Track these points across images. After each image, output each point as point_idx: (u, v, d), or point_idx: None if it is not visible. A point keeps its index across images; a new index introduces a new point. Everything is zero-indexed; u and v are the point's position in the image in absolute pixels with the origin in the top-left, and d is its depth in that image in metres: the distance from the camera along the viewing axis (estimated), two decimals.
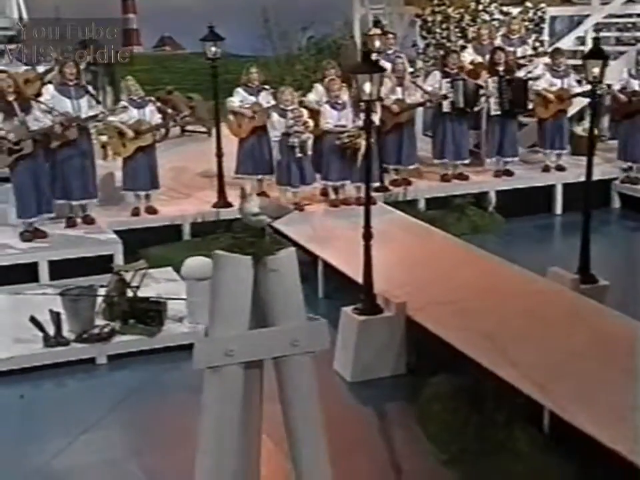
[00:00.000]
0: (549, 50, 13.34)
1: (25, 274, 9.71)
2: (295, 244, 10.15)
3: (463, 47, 13.71)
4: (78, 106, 10.28)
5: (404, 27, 16.28)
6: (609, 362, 6.63)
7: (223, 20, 18.81)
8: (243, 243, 4.76)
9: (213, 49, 10.94)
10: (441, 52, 13.85)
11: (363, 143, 10.84)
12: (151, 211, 11.09)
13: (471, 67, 12.64)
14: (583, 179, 12.22)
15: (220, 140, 11.22)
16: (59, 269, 9.79)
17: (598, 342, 7.04)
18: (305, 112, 10.94)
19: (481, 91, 12.12)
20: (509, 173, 12.63)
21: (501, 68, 12.31)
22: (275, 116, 10.90)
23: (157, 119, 10.87)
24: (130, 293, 8.53)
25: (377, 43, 12.28)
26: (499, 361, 6.71)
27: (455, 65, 12.18)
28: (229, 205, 11.30)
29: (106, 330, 8.26)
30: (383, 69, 7.87)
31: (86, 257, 9.92)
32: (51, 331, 8.12)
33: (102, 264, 9.93)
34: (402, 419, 7.13)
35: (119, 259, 9.98)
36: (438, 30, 14.48)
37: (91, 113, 10.35)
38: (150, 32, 24.23)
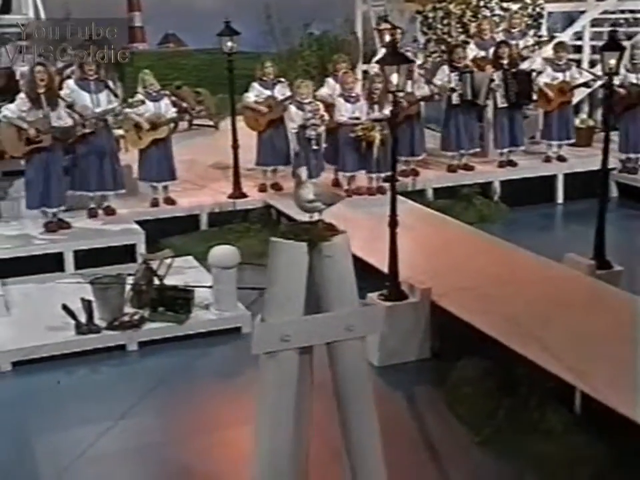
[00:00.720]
0: (552, 43, 13.24)
1: (50, 264, 9.55)
2: None
3: (465, 42, 13.60)
4: (97, 100, 10.12)
5: (404, 23, 16.14)
6: (634, 343, 6.55)
7: (225, 17, 18.66)
8: (298, 229, 4.62)
9: (229, 43, 10.81)
10: (443, 47, 13.75)
11: (377, 135, 10.79)
12: (170, 201, 10.95)
13: (472, 62, 12.49)
14: (582, 169, 12.59)
15: (235, 132, 11.10)
16: (84, 259, 9.65)
17: (621, 325, 6.95)
18: (321, 105, 10.79)
19: (492, 84, 12.01)
20: (512, 164, 12.55)
21: (505, 61, 12.20)
22: (292, 108, 10.74)
23: (172, 112, 10.72)
24: (157, 282, 8.43)
25: (388, 37, 12.14)
26: (528, 344, 6.63)
27: (461, 58, 12.04)
28: (244, 196, 11.20)
29: (136, 317, 8.14)
30: (410, 61, 7.74)
31: (110, 246, 9.77)
32: (83, 318, 8.00)
33: (125, 253, 9.83)
34: (431, 401, 7.05)
35: (141, 249, 9.84)
36: (439, 26, 14.37)
37: (109, 107, 10.20)
38: (154, 29, 23.99)
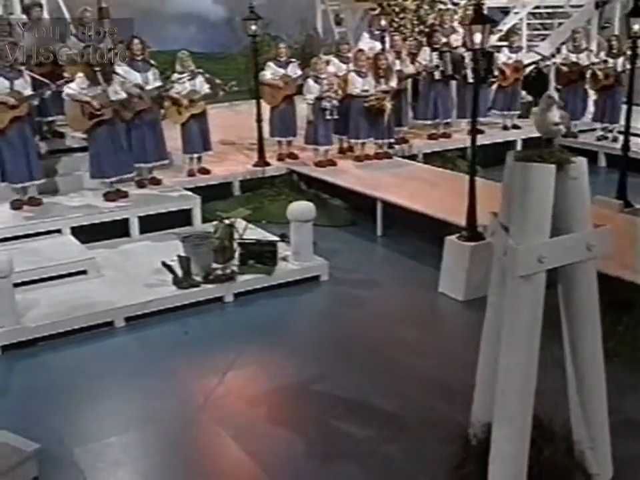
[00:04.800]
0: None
1: (116, 230, 8.30)
2: (349, 191, 9.23)
3: (421, 32, 12.92)
4: (146, 78, 8.92)
5: (356, 21, 15.32)
6: None
7: (189, 22, 17.17)
8: (544, 153, 3.79)
9: (254, 27, 9.74)
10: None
11: (388, 104, 10.01)
12: (204, 171, 9.78)
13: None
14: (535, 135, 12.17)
15: (259, 107, 10.03)
16: (146, 224, 8.43)
17: None
18: (335, 80, 9.89)
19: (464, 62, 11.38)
20: (480, 132, 11.92)
21: None
22: (310, 81, 9.80)
23: (206, 88, 9.53)
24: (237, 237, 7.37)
25: (383, 22, 11.26)
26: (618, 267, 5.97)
27: (440, 41, 11.36)
28: (268, 164, 10.15)
29: (228, 271, 7.07)
30: (494, 21, 6.93)
31: (170, 211, 8.58)
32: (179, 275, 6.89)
33: (183, 217, 8.69)
34: None
35: (197, 212, 8.71)
36: (396, 19, 13.58)
37: (157, 84, 8.98)
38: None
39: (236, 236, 7.31)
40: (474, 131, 7.16)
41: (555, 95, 3.82)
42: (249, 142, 10.99)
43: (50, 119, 9.31)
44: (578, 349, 4.06)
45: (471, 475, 4.19)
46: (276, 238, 7.85)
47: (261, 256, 7.21)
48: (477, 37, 6.43)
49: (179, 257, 6.93)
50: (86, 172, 8.82)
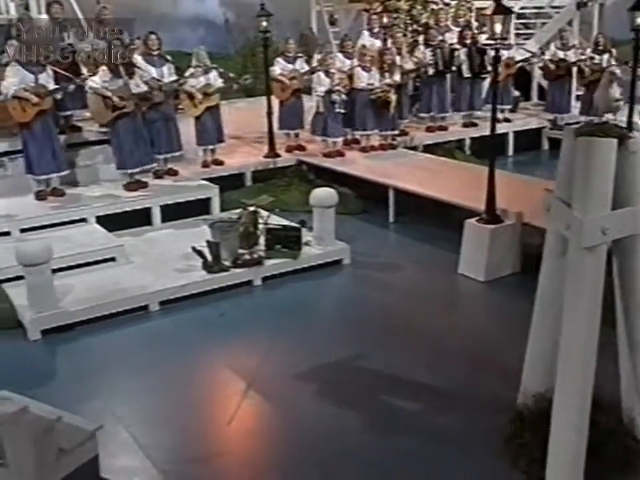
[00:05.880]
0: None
1: (138, 219, 8.06)
2: (359, 180, 9.08)
3: (414, 31, 12.80)
4: (161, 73, 8.69)
5: (349, 21, 15.15)
6: None
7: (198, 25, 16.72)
8: (605, 129, 3.67)
9: (264, 23, 9.54)
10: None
11: (393, 96, 9.88)
12: (218, 162, 9.56)
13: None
14: (525, 127, 12.21)
15: (270, 101, 9.83)
16: (167, 213, 8.20)
17: None
18: (344, 75, 9.74)
19: (455, 53, 11.27)
20: (474, 124, 11.87)
21: (468, 41, 11.46)
22: (321, 75, 9.65)
23: (220, 82, 9.30)
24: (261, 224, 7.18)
25: (385, 20, 11.10)
26: None
27: (436, 38, 11.24)
28: (278, 156, 9.96)
29: (255, 256, 6.89)
30: (512, 12, 6.81)
31: (190, 200, 8.35)
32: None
33: (201, 206, 8.47)
34: None
35: (216, 201, 8.50)
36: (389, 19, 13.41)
37: (172, 78, 8.74)
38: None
39: (260, 222, 7.15)
40: (494, 121, 6.99)
41: (617, 71, 3.68)
42: (253, 136, 10.84)
43: (67, 113, 9.05)
44: (631, 318, 3.95)
45: (529, 444, 4.08)
46: (294, 224, 7.67)
47: (287, 241, 7.03)
48: (498, 28, 6.29)
49: (209, 242, 6.73)
50: (103, 164, 8.60)
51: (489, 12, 6.31)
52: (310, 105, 10.14)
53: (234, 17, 17.26)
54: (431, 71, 11.14)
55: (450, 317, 6.15)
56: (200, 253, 6.70)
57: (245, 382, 5.11)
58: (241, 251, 6.98)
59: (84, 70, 8.51)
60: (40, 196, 8.03)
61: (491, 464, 4.08)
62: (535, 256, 6.85)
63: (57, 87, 7.89)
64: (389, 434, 4.43)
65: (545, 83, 13.03)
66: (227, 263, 6.75)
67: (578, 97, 12.37)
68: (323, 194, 7.22)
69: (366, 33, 11.46)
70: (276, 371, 5.27)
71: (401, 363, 5.29)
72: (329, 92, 9.60)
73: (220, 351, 5.64)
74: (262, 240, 7.07)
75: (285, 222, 7.72)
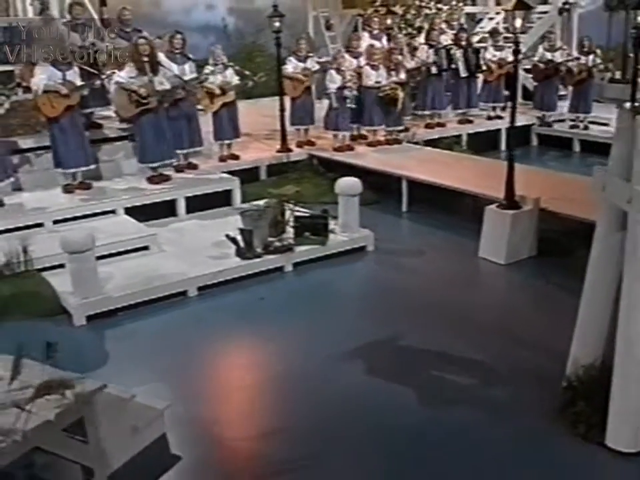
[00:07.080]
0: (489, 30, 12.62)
1: (163, 210, 7.85)
2: (371, 172, 8.95)
3: (408, 34, 12.70)
4: (183, 70, 8.46)
5: (344, 25, 15.02)
6: None
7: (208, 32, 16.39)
8: None
9: (277, 24, 9.36)
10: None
11: (401, 93, 9.78)
12: (233, 157, 9.38)
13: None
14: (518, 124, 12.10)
15: (282, 98, 9.67)
16: (191, 204, 8.01)
17: None
18: (354, 73, 9.63)
19: (452, 52, 11.18)
20: (469, 121, 11.82)
21: (464, 43, 11.41)
22: (333, 72, 9.52)
23: (236, 79, 9.12)
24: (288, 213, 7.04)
25: (389, 21, 10.99)
26: None
27: (437, 38, 11.17)
28: (290, 150, 9.80)
29: (285, 243, 6.74)
30: (531, 7, 6.72)
31: (212, 192, 8.16)
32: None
33: (223, 198, 8.29)
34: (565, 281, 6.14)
35: (237, 193, 8.32)
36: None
37: (193, 76, 8.54)
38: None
39: (287, 211, 7.01)
40: (513, 115, 6.85)
41: None
42: (261, 134, 10.68)
43: (89, 110, 8.80)
44: None
45: (583, 413, 4.00)
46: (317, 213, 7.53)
47: (315, 228, 6.89)
48: (518, 22, 6.20)
49: (241, 230, 6.57)
50: (124, 159, 8.39)
51: (509, 7, 6.22)
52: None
53: (233, 23, 17.05)
54: (434, 70, 11.07)
55: (477, 296, 6.07)
56: (234, 240, 6.54)
57: (293, 362, 4.96)
58: (270, 238, 6.83)
59: (107, 69, 8.30)
60: (68, 189, 7.79)
61: (544, 431, 4.00)
62: (549, 240, 6.95)
63: (83, 83, 7.67)
64: (440, 408, 4.32)
65: (529, 84, 13.06)
66: (259, 250, 6.60)
67: (560, 97, 12.47)
68: (348, 183, 7.10)
69: (366, 34, 11.35)
70: (320, 351, 5.12)
71: (439, 340, 5.18)
72: (341, 88, 9.49)
73: (262, 333, 5.48)
74: (289, 228, 6.94)
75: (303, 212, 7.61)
